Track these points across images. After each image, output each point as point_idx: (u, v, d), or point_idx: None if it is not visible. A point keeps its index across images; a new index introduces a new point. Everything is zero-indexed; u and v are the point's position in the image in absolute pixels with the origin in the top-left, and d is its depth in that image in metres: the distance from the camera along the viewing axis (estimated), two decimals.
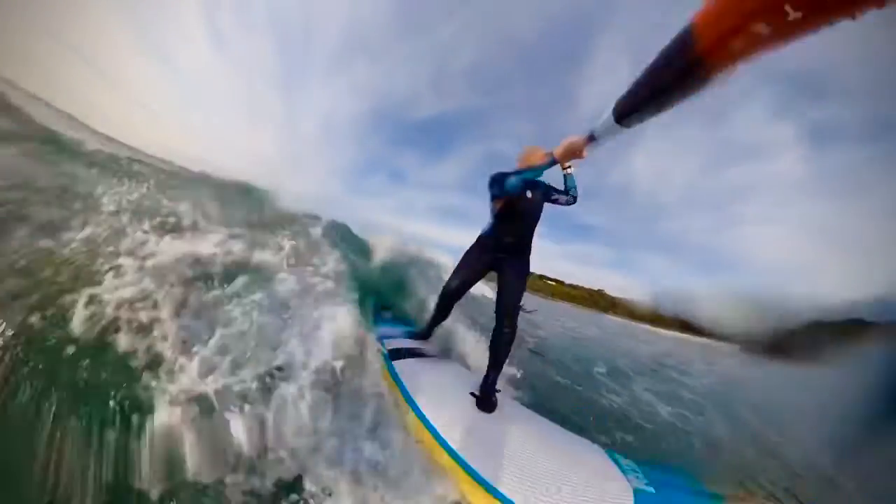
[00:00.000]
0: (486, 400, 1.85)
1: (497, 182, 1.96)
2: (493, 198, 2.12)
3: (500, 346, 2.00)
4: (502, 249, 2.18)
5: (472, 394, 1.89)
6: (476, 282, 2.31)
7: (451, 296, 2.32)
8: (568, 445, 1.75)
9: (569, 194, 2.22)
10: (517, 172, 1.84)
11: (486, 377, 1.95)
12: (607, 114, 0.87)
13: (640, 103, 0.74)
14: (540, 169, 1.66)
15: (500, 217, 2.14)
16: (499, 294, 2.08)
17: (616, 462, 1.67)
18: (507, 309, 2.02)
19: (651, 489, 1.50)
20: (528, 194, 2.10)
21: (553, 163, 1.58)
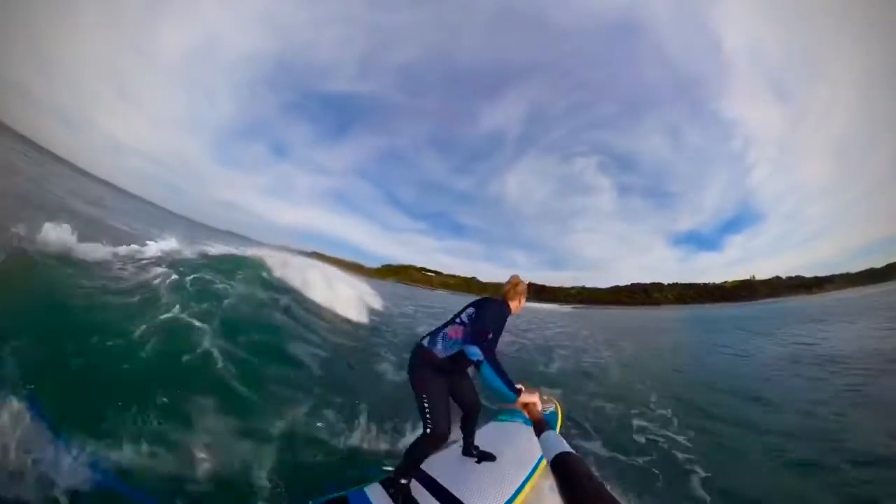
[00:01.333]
0: (489, 455, 2.49)
1: (483, 344, 1.89)
2: (482, 337, 1.94)
3: (474, 428, 2.55)
4: (459, 372, 2.30)
5: (477, 461, 2.45)
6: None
7: (447, 437, 2.11)
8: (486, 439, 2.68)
9: (477, 368, 2.00)
10: (492, 363, 1.82)
11: (472, 445, 2.56)
12: (556, 450, 1.02)
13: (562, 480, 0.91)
14: (502, 391, 1.79)
15: (494, 356, 1.90)
16: (463, 397, 2.38)
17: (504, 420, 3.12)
18: (476, 404, 2.48)
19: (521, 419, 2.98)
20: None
21: (512, 399, 1.79)
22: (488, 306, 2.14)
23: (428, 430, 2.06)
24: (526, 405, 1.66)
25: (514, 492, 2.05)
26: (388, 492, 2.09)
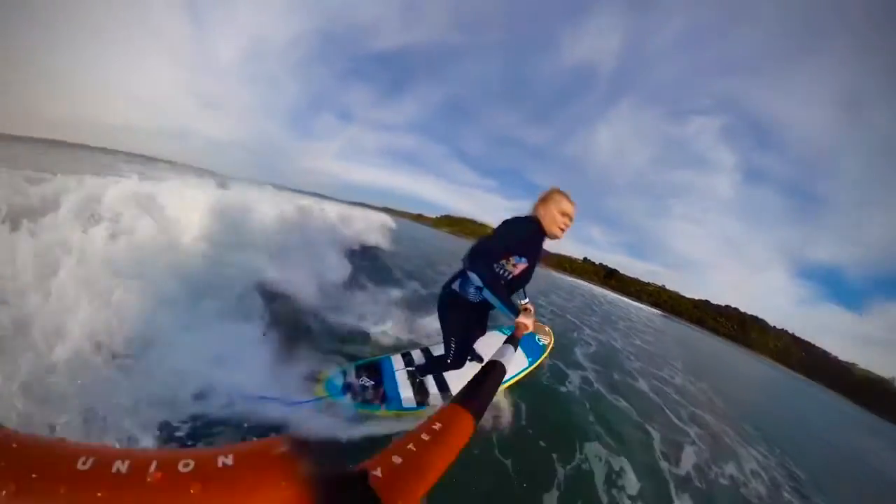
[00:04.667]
0: (479, 356, 2.87)
1: (483, 266, 1.67)
2: (505, 255, 1.76)
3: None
4: (484, 313, 2.26)
5: (470, 359, 2.70)
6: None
7: (465, 362, 2.33)
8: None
9: (481, 291, 1.88)
10: (490, 284, 1.65)
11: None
12: (504, 356, 1.09)
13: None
14: (503, 309, 1.69)
15: (495, 281, 1.71)
16: (480, 326, 2.37)
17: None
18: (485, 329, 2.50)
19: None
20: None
21: (512, 315, 1.66)
22: (511, 221, 1.73)
23: (448, 361, 2.25)
24: (519, 324, 1.63)
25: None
26: (407, 370, 2.73)
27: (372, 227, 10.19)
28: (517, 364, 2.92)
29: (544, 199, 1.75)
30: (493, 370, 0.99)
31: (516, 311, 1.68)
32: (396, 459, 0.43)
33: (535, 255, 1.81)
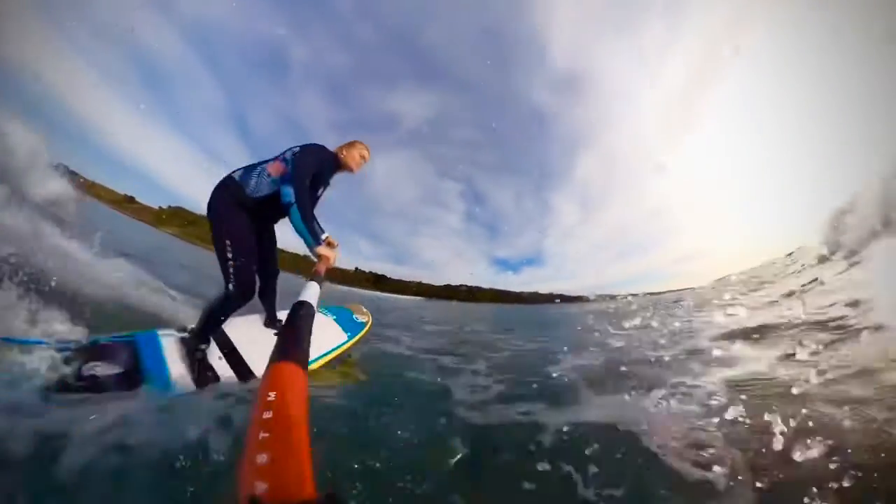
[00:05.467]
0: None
1: (294, 179, 1.77)
2: (300, 179, 1.80)
3: (274, 300, 2.34)
4: (268, 219, 2.03)
5: (275, 333, 2.33)
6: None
7: (253, 291, 1.90)
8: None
9: (287, 212, 1.88)
10: (301, 203, 1.75)
11: (275, 318, 2.38)
12: (310, 299, 1.03)
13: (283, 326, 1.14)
14: (305, 235, 1.76)
15: (305, 198, 1.80)
16: (265, 258, 2.09)
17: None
18: (275, 272, 2.25)
19: (333, 315, 3.07)
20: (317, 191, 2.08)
21: (311, 245, 1.76)
22: (314, 148, 1.92)
23: (231, 286, 1.77)
24: (320, 256, 1.61)
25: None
26: (184, 349, 1.89)
27: None
28: (333, 338, 2.67)
29: (349, 144, 2.13)
30: (302, 310, 0.90)
31: (318, 239, 1.65)
32: (262, 459, 0.36)
33: (328, 180, 2.08)
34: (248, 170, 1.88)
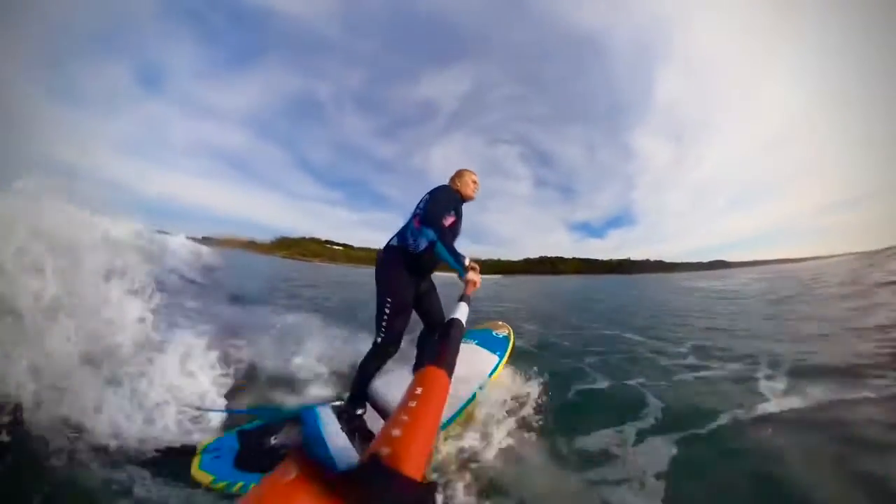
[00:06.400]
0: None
1: (433, 221, 1.95)
2: (436, 218, 1.98)
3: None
4: (429, 271, 2.23)
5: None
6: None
7: (398, 344, 2.06)
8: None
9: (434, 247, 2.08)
10: (442, 240, 1.92)
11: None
12: (463, 317, 1.25)
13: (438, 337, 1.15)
14: (454, 264, 1.90)
15: (446, 234, 1.99)
16: (430, 309, 2.32)
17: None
18: (442, 320, 2.33)
19: (475, 340, 3.09)
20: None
21: (461, 273, 1.87)
22: (439, 189, 2.16)
23: (379, 339, 1.99)
24: (467, 281, 1.79)
25: (458, 407, 2.13)
26: (342, 419, 1.97)
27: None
28: (486, 364, 2.68)
29: (458, 174, 2.27)
30: (453, 327, 1.08)
31: (464, 265, 1.85)
32: (395, 433, 0.47)
33: (460, 211, 2.23)
34: (401, 232, 2.15)
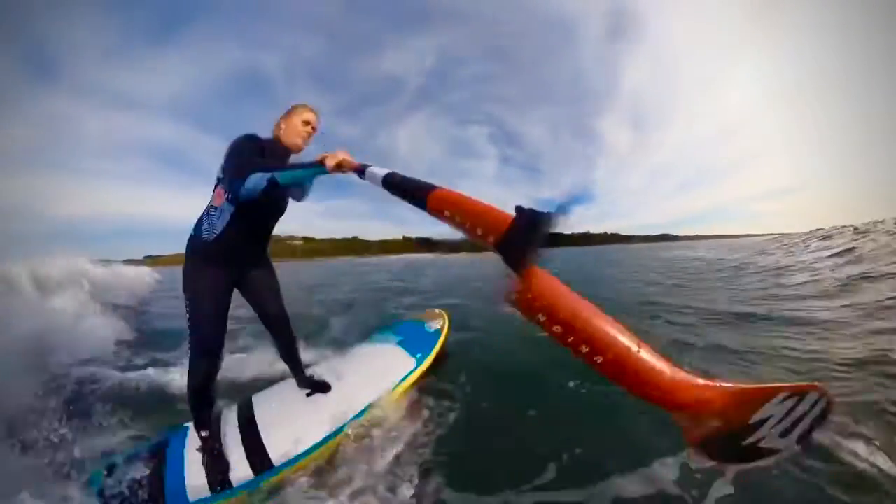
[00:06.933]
0: (321, 385, 2.04)
1: (240, 170, 1.42)
2: (230, 190, 1.50)
3: (295, 351, 2.06)
4: (242, 259, 1.73)
5: (308, 394, 2.02)
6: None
7: (215, 358, 1.62)
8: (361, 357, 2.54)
9: (305, 193, 1.86)
10: (269, 168, 1.42)
11: (303, 375, 2.10)
12: (383, 173, 1.19)
13: (401, 195, 1.13)
14: (307, 172, 1.48)
15: (239, 215, 1.56)
16: (262, 308, 1.88)
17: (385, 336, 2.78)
18: (281, 319, 1.94)
19: (399, 337, 2.67)
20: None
21: (322, 171, 1.42)
22: (237, 141, 1.59)
23: (188, 351, 1.59)
24: (339, 164, 1.39)
25: (331, 431, 1.73)
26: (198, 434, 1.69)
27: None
28: (400, 367, 2.22)
29: (287, 113, 1.72)
30: (398, 176, 1.14)
31: (315, 162, 1.43)
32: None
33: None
34: (199, 219, 1.64)
